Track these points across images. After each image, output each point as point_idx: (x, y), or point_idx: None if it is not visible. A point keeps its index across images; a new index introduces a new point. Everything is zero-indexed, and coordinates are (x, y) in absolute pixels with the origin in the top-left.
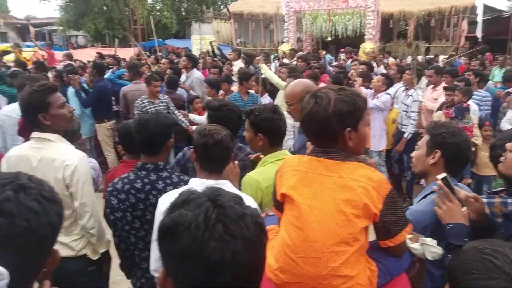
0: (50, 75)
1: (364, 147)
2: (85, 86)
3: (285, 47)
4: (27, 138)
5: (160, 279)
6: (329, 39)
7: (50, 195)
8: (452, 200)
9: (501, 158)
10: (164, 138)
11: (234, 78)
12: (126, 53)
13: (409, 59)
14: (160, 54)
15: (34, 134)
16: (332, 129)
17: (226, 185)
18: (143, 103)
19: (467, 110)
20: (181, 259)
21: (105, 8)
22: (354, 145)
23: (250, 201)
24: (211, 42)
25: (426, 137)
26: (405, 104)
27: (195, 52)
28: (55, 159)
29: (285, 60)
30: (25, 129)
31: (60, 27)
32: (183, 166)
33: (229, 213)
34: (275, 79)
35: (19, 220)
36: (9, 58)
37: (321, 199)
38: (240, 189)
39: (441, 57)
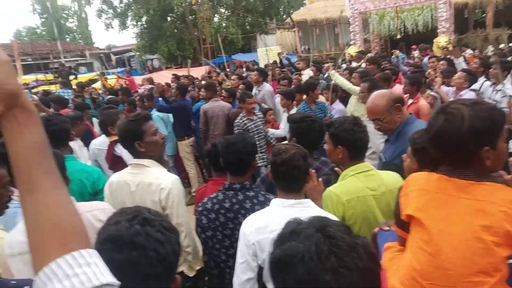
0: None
1: (503, 164)
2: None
3: (351, 50)
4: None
5: None
6: (398, 36)
7: (168, 225)
8: None
9: None
10: (251, 158)
11: None
12: (198, 72)
13: (490, 49)
14: (228, 69)
15: (132, 160)
16: (467, 149)
17: (307, 204)
18: (243, 121)
19: None
20: None
21: (175, 30)
22: (492, 164)
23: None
24: (279, 54)
25: None
26: (493, 100)
27: (262, 64)
28: (151, 183)
29: (353, 64)
30: (115, 163)
31: (137, 53)
32: (269, 184)
33: (341, 244)
34: (346, 84)
35: (149, 252)
36: (97, 86)
37: (454, 223)
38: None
39: None
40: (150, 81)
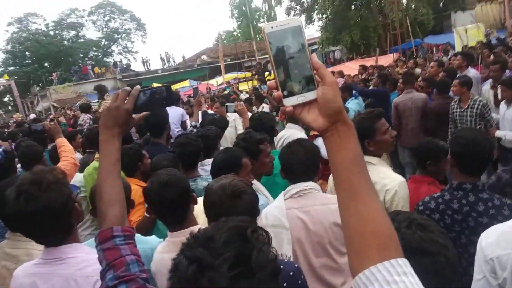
0: None
1: None
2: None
3: None
4: None
5: None
6: None
7: (441, 228)
8: None
9: None
10: (489, 158)
11: None
12: (386, 60)
13: None
14: (417, 56)
15: None
16: None
17: None
18: (452, 106)
19: None
20: None
21: (359, 19)
22: None
23: None
24: (487, 34)
25: None
26: None
27: (459, 46)
28: (377, 182)
29: None
30: None
31: (320, 46)
32: (500, 191)
33: None
34: None
35: (439, 257)
36: None
37: None
38: None
39: None
40: (341, 73)
